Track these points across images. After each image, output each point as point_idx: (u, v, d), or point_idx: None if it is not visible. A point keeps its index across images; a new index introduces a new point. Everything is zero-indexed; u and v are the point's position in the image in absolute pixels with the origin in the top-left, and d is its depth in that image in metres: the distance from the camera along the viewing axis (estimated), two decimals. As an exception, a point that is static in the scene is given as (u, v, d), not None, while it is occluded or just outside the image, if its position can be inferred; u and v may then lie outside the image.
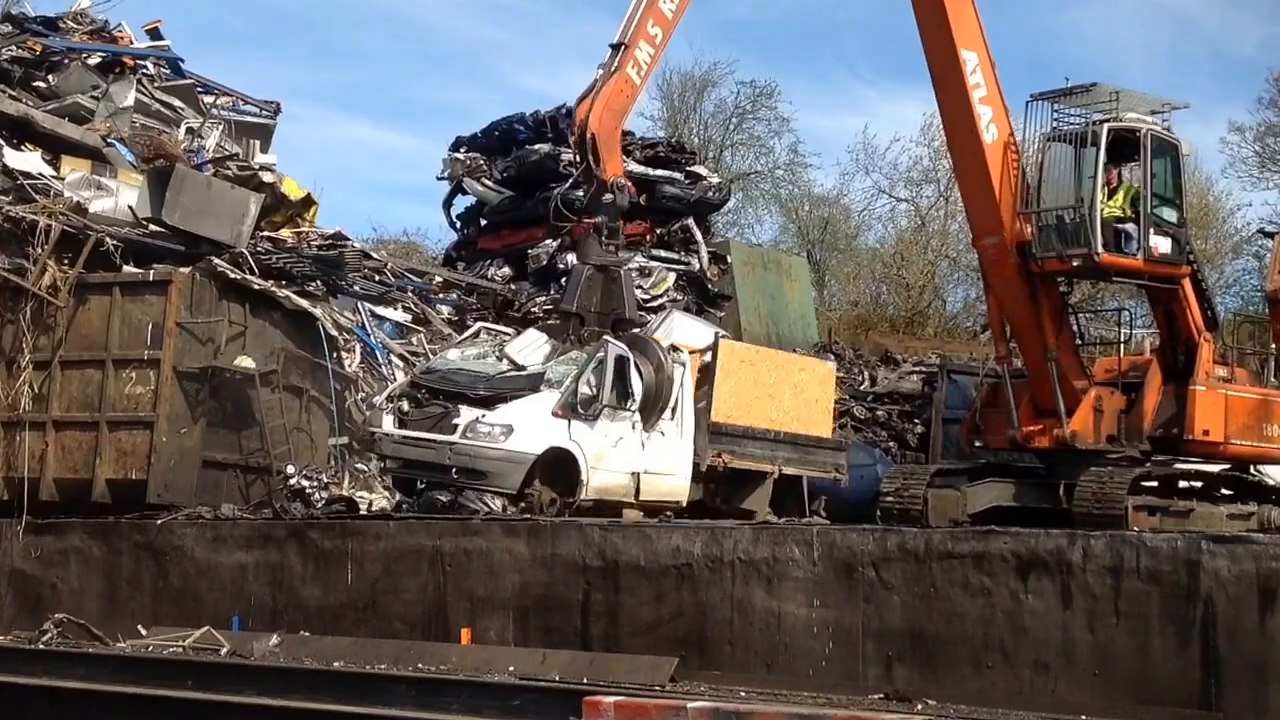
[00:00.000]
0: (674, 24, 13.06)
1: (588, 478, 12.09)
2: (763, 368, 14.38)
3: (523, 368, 12.53)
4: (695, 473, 13.18)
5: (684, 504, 13.07)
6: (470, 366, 13.15)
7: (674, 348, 13.56)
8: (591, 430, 12.15)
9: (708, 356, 13.95)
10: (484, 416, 12.06)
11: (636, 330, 13.30)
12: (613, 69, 12.71)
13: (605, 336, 12.60)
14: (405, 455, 12.39)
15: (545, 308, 20.78)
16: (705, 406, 13.22)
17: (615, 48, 12.79)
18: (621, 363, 12.43)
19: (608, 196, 12.69)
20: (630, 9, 13.23)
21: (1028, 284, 12.82)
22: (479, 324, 14.96)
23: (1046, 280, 12.87)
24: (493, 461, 11.77)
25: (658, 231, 22.25)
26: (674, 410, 12.78)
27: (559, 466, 11.99)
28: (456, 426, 12.03)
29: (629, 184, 12.77)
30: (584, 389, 12.11)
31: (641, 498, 12.57)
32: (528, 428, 11.88)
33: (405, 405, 12.80)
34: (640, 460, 12.59)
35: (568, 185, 13.06)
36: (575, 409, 12.04)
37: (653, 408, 12.66)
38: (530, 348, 13.02)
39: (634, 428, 12.53)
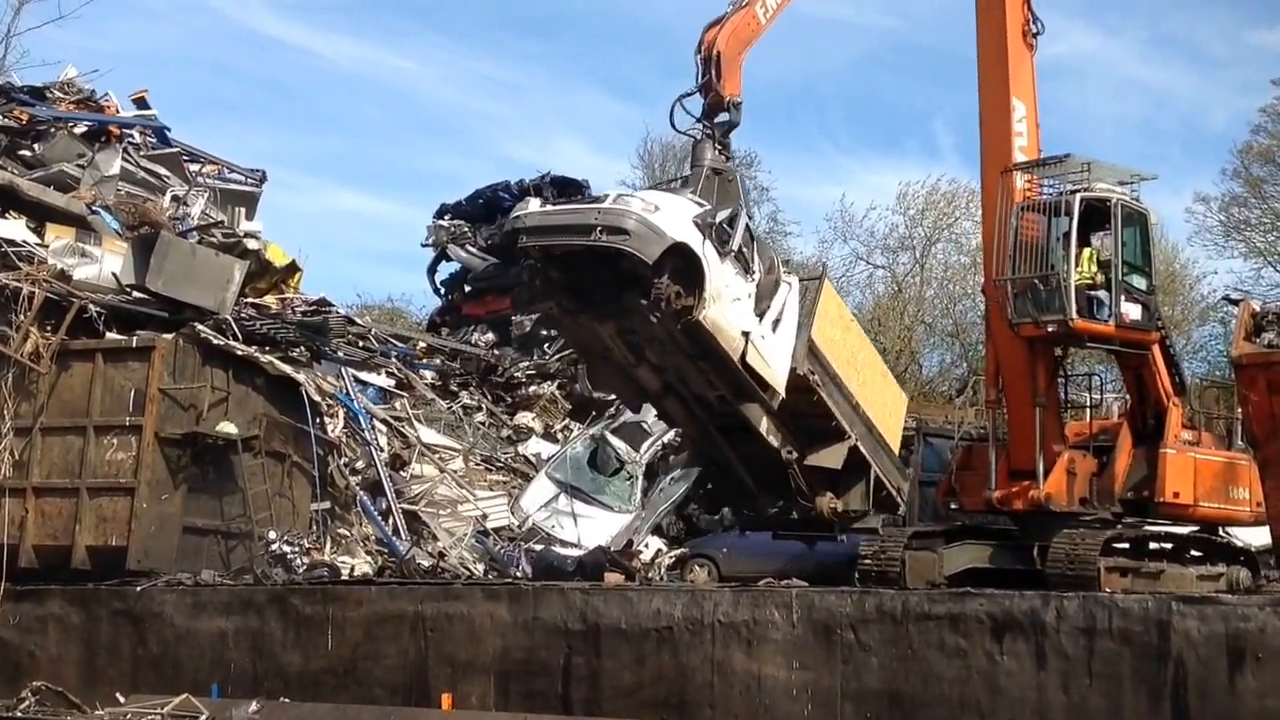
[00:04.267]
0: None
1: (709, 299, 12.29)
2: (854, 336, 14.63)
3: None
4: (789, 379, 13.29)
5: (780, 396, 13.22)
6: None
7: (786, 263, 14.21)
8: (720, 263, 12.45)
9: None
10: (632, 193, 12.75)
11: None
12: (742, 5, 13.62)
13: (740, 206, 13.00)
14: (550, 222, 12.63)
15: (528, 373, 20.95)
16: (805, 323, 13.62)
17: None
18: (748, 232, 12.88)
19: (723, 114, 13.40)
20: None
21: None
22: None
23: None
24: (637, 224, 12.00)
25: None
26: (777, 323, 13.18)
27: (686, 272, 12.20)
28: (606, 197, 12.62)
29: (742, 103, 13.43)
30: (719, 224, 12.50)
31: (747, 360, 12.79)
32: (673, 214, 12.26)
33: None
34: (751, 326, 12.84)
35: (684, 93, 13.59)
36: (711, 230, 12.36)
37: (759, 301, 13.05)
38: None
39: (750, 298, 12.89)
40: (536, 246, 12.64)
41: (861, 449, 13.98)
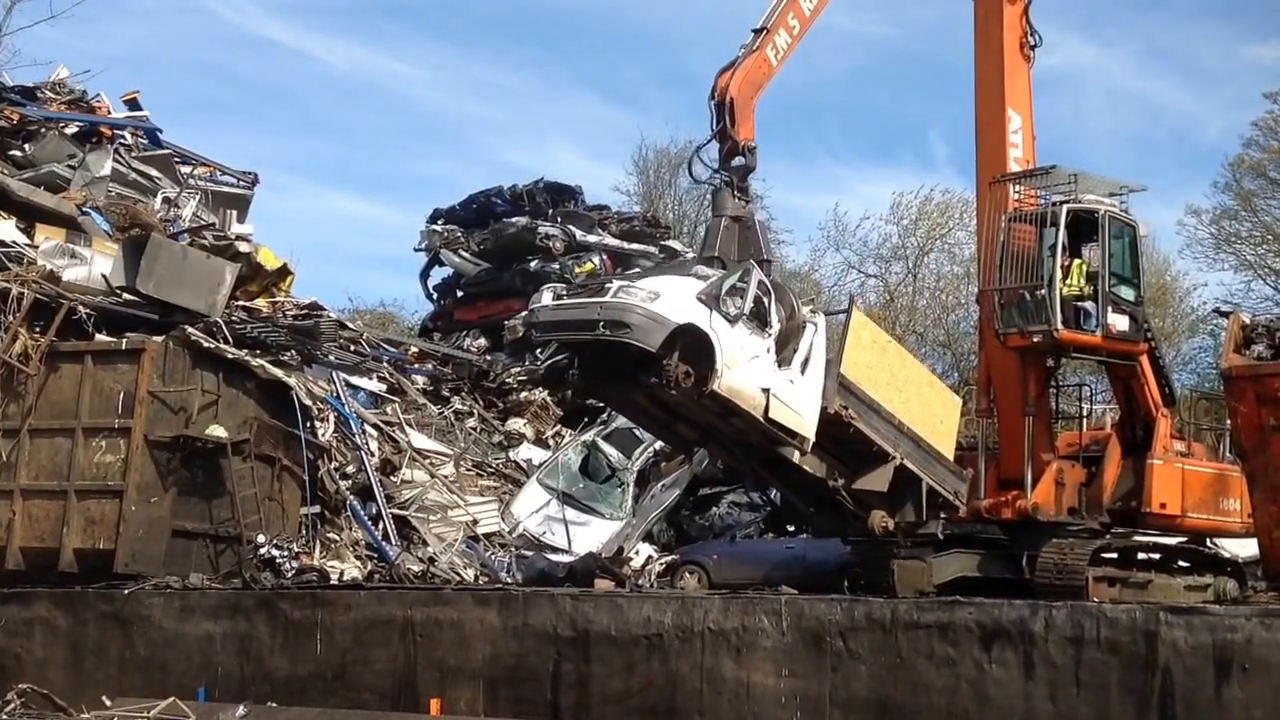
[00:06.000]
0: (811, 21, 14.15)
1: (722, 369, 12.40)
2: (892, 356, 14.59)
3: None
4: (823, 416, 13.30)
5: (811, 441, 13.32)
6: None
7: (811, 301, 14.27)
8: (730, 329, 12.55)
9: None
10: (633, 283, 12.77)
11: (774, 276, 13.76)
12: (753, 49, 13.72)
13: (750, 261, 13.06)
14: (558, 318, 12.89)
15: (520, 378, 20.95)
16: (835, 359, 13.64)
17: (757, 32, 13.85)
18: (762, 285, 12.96)
19: (739, 159, 13.53)
20: (774, 1, 14.02)
21: None
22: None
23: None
24: (638, 316, 12.17)
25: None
26: (805, 364, 13.22)
27: (697, 349, 12.33)
28: (608, 290, 12.72)
29: (757, 147, 13.51)
30: (727, 290, 12.56)
31: (770, 416, 12.87)
32: (673, 298, 12.38)
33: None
34: (772, 381, 12.89)
35: (705, 142, 13.76)
36: (718, 302, 12.49)
37: (781, 348, 13.08)
38: None
39: (769, 352, 12.94)
40: (550, 340, 13.03)
41: (909, 466, 13.91)
